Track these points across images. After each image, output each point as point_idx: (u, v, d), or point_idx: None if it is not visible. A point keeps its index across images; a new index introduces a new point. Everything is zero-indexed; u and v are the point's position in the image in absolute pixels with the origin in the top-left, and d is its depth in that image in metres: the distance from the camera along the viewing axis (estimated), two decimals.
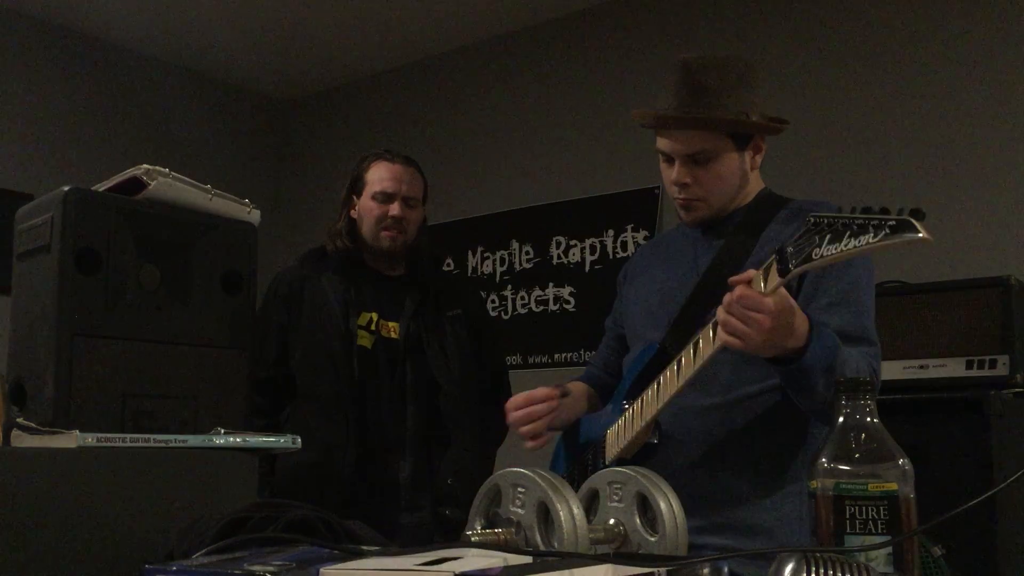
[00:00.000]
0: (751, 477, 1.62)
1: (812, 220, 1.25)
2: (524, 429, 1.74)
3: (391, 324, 2.52)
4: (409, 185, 2.54)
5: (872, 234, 1.17)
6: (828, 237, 1.22)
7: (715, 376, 1.62)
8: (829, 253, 1.23)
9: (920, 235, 1.13)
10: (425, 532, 2.41)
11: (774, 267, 1.33)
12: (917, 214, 1.13)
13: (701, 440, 1.64)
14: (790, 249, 1.29)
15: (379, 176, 2.53)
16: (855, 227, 1.19)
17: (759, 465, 1.62)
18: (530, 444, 1.75)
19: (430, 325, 2.53)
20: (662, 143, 1.70)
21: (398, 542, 2.36)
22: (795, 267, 1.29)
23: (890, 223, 1.15)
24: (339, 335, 2.46)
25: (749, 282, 1.37)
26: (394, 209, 2.50)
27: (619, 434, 1.67)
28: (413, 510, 2.44)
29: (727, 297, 1.39)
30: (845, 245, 1.20)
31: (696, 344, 1.49)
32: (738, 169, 1.70)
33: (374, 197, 2.52)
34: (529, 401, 1.73)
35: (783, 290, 1.37)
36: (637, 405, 1.63)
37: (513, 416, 1.74)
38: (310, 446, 2.30)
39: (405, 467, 2.46)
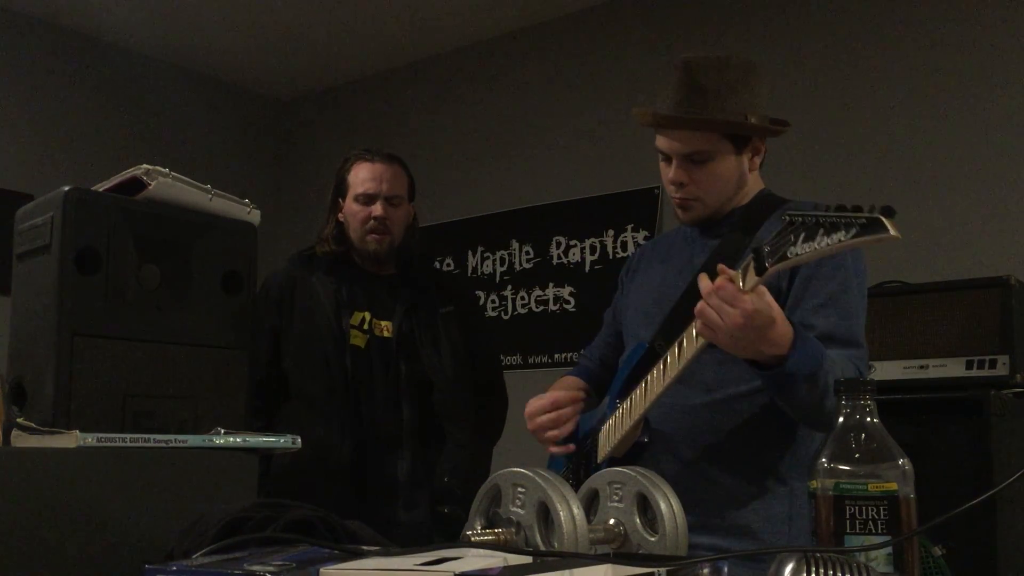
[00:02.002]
0: (739, 476, 1.62)
1: (788, 219, 1.27)
2: (550, 434, 1.72)
3: (384, 323, 2.51)
4: (390, 184, 2.51)
5: (844, 232, 1.20)
6: (803, 235, 1.25)
7: (702, 375, 1.63)
8: (804, 252, 1.25)
9: (890, 233, 1.15)
10: (424, 530, 2.40)
11: (751, 266, 1.34)
12: (888, 211, 1.16)
13: (689, 439, 1.64)
14: (767, 248, 1.31)
15: (360, 178, 2.52)
16: (828, 225, 1.21)
17: (747, 465, 1.62)
18: (556, 450, 1.74)
19: (423, 323, 2.53)
20: (660, 142, 1.70)
21: (397, 540, 2.36)
22: (771, 266, 1.31)
23: (860, 221, 1.17)
24: (332, 335, 2.45)
25: (731, 277, 1.38)
26: (376, 210, 2.48)
27: (610, 433, 1.68)
28: (411, 508, 2.44)
29: (708, 288, 1.40)
30: (819, 243, 1.23)
31: (681, 342, 1.50)
32: (736, 170, 1.70)
33: (356, 199, 2.51)
34: (555, 405, 1.72)
35: (767, 295, 1.38)
36: (627, 404, 1.63)
37: (539, 421, 1.73)
38: (305, 447, 2.30)
39: (403, 465, 2.45)
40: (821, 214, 1.22)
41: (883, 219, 1.15)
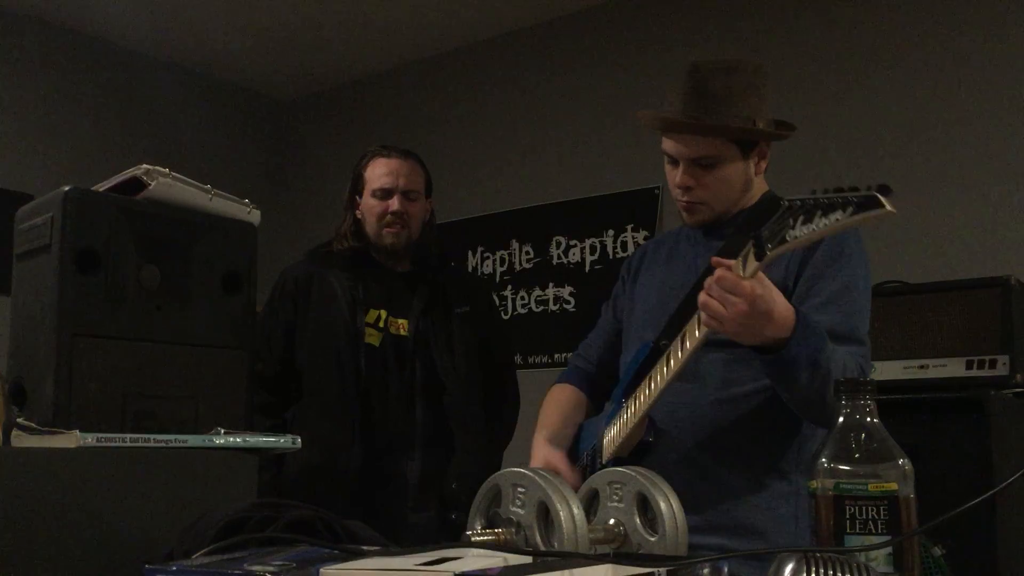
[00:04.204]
0: (744, 476, 1.62)
1: (787, 203, 1.28)
2: None
3: (400, 321, 2.50)
4: (407, 178, 2.52)
5: (841, 211, 1.21)
6: (801, 219, 1.26)
7: (708, 375, 1.63)
8: (802, 233, 1.26)
9: (886, 209, 1.17)
10: (432, 532, 2.40)
11: (751, 252, 1.35)
12: (884, 190, 1.17)
13: (695, 438, 1.64)
14: (766, 233, 1.31)
15: (377, 173, 2.52)
16: (825, 206, 1.22)
17: (751, 464, 1.63)
18: None
19: (438, 322, 2.52)
20: (667, 145, 1.70)
21: (406, 541, 2.37)
22: (771, 250, 1.31)
23: (856, 199, 1.19)
24: (346, 333, 2.45)
25: (729, 266, 1.39)
26: (393, 204, 2.48)
27: (615, 433, 1.68)
28: (420, 510, 2.43)
29: (707, 280, 1.41)
30: (816, 225, 1.24)
31: (683, 337, 1.50)
32: (742, 174, 1.70)
33: (373, 194, 2.51)
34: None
35: (764, 278, 1.39)
36: (632, 403, 1.63)
37: None
38: (317, 446, 2.31)
39: (414, 467, 2.44)
40: (818, 196, 1.23)
41: (878, 196, 1.17)
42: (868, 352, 1.60)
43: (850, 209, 1.19)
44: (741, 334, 1.43)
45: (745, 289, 1.37)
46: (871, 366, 1.65)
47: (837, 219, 1.21)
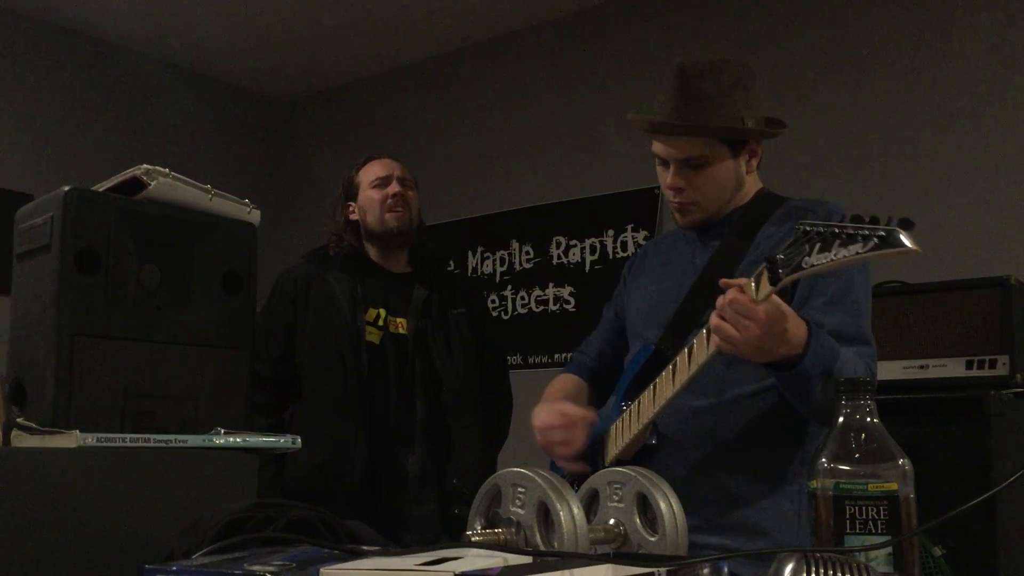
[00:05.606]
0: (748, 477, 1.62)
1: (802, 229, 1.26)
2: (562, 451, 1.73)
3: (399, 320, 2.55)
4: (401, 170, 2.63)
5: (861, 244, 1.18)
6: (818, 246, 1.23)
7: (710, 377, 1.62)
8: (819, 262, 1.23)
9: (908, 246, 1.14)
10: (433, 525, 2.45)
11: (764, 275, 1.34)
12: (906, 224, 1.14)
13: (697, 441, 1.64)
14: (780, 257, 1.30)
15: (372, 171, 2.62)
16: (844, 237, 1.19)
17: (756, 465, 1.62)
18: (573, 467, 1.74)
19: (435, 322, 2.57)
20: (658, 148, 1.70)
21: (408, 535, 2.41)
22: (785, 276, 1.30)
23: (879, 234, 1.15)
24: (347, 331, 2.48)
25: (741, 288, 1.38)
26: (393, 187, 2.57)
27: (617, 436, 1.68)
28: (421, 504, 2.48)
29: (719, 301, 1.40)
30: (835, 255, 1.21)
31: (691, 348, 1.50)
32: (733, 174, 1.70)
33: (372, 185, 2.58)
34: (565, 421, 1.72)
35: (776, 297, 1.38)
36: (635, 407, 1.63)
37: (550, 437, 1.72)
38: (319, 444, 2.35)
39: (414, 462, 2.49)
40: (838, 225, 1.20)
41: (900, 233, 1.14)
42: (874, 351, 1.60)
43: (872, 243, 1.16)
44: (754, 355, 1.42)
45: (758, 313, 1.36)
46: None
47: (857, 252, 1.18)
